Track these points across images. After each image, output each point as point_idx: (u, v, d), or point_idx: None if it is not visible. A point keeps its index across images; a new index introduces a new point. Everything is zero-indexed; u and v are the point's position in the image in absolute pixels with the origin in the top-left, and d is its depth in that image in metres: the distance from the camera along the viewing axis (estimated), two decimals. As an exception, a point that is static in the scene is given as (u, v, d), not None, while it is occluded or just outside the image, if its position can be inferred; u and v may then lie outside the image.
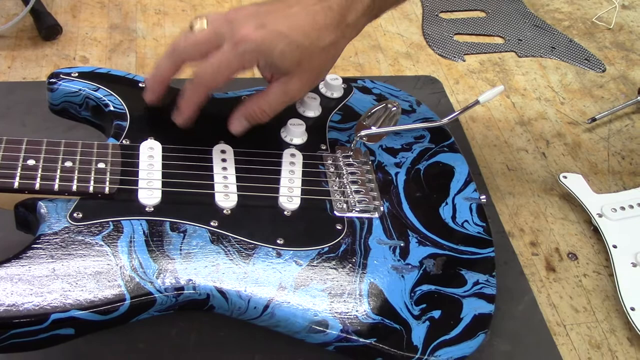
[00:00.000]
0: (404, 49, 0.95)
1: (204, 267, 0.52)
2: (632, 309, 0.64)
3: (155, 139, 0.61)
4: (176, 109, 0.61)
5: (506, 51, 0.98)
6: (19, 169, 0.54)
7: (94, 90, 0.63)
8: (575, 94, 0.92)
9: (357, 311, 0.53)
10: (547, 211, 0.76)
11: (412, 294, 0.56)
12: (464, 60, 0.95)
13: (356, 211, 0.60)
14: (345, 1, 0.59)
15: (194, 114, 0.61)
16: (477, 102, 0.69)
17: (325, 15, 0.58)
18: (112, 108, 0.63)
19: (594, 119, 0.87)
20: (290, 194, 0.60)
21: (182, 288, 0.51)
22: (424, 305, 0.56)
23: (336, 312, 0.53)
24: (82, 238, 0.52)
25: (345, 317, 0.53)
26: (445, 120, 0.69)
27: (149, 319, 0.51)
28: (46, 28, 0.87)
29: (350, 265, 0.56)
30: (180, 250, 0.53)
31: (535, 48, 0.99)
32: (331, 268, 0.56)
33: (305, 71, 0.59)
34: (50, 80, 0.63)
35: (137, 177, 0.57)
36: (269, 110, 0.61)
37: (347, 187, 0.62)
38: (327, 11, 0.58)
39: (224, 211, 0.57)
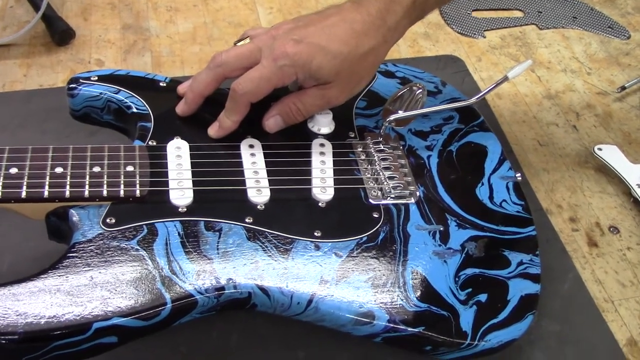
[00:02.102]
0: (422, 29, 0.93)
1: (243, 265, 0.51)
2: (681, 279, 0.63)
3: (181, 138, 0.59)
4: (218, 122, 0.60)
5: (526, 24, 0.95)
6: (48, 177, 0.53)
7: (115, 93, 0.62)
8: (601, 64, 0.90)
9: (402, 300, 0.52)
10: (583, 185, 0.74)
11: (457, 279, 0.54)
12: (484, 37, 0.93)
13: (392, 198, 0.59)
14: (383, 5, 0.58)
15: (235, 127, 0.60)
16: (506, 79, 0.67)
17: (363, 22, 0.58)
18: (134, 110, 0.61)
19: (623, 88, 0.85)
20: (323, 184, 0.58)
21: (222, 288, 0.50)
22: (469, 290, 0.54)
23: (381, 303, 0.51)
24: (117, 244, 0.50)
25: (391, 307, 0.51)
26: (474, 99, 0.67)
27: (188, 322, 0.50)
28: (59, 33, 0.86)
29: (391, 253, 0.55)
30: (217, 249, 0.52)
31: (556, 19, 0.96)
32: (372, 258, 0.54)
33: (344, 79, 0.59)
34: (70, 85, 0.62)
35: (167, 177, 0.56)
36: (304, 111, 0.61)
37: (380, 173, 0.60)
38: (365, 17, 0.58)
39: (258, 207, 0.56)
